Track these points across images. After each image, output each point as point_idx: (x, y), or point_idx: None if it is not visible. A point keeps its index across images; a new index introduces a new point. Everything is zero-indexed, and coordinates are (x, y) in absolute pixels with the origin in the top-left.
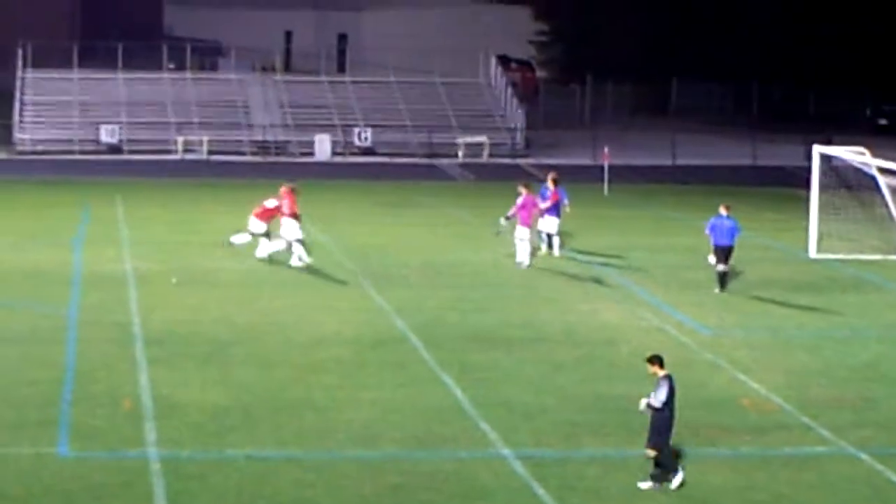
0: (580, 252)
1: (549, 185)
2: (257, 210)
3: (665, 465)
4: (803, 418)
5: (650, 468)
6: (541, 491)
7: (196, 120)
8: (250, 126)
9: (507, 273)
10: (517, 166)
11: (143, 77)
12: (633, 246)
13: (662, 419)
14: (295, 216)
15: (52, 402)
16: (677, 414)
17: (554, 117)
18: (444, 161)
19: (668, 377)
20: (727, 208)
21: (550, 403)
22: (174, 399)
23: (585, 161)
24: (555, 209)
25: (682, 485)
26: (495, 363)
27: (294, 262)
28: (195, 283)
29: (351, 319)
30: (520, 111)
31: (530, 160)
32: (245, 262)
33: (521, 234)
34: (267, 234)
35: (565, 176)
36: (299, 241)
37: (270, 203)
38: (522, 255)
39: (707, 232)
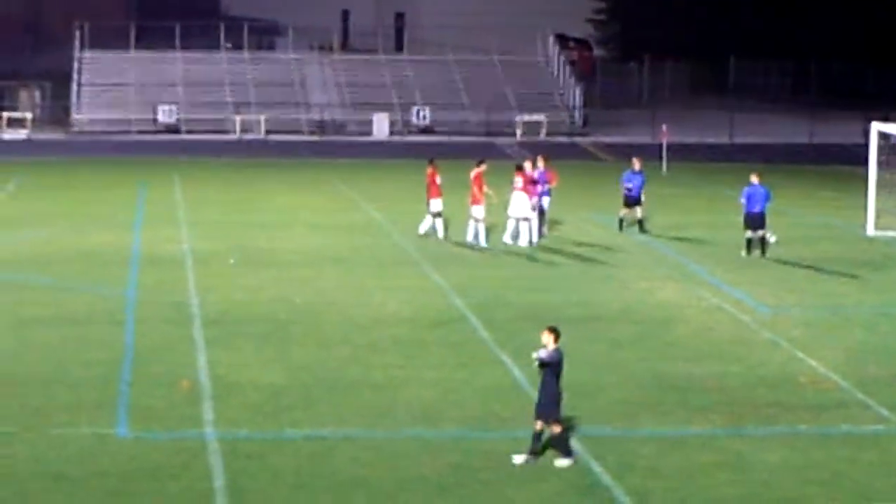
0: (638, 230)
1: (541, 165)
2: (523, 186)
3: (561, 442)
4: (861, 396)
5: (558, 446)
6: (599, 469)
7: (253, 100)
8: (308, 105)
9: (564, 252)
10: (575, 145)
11: (200, 57)
12: (691, 224)
13: (556, 393)
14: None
15: (111, 383)
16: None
17: (612, 96)
18: (503, 140)
19: (559, 352)
20: (759, 175)
21: (608, 382)
22: (232, 379)
23: (644, 139)
24: (548, 191)
25: (525, 463)
26: None
27: (516, 240)
28: (253, 263)
29: (409, 299)
30: (577, 90)
31: (588, 139)
32: (302, 242)
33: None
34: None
35: (624, 155)
36: (526, 219)
37: (518, 183)
38: (527, 233)
39: (741, 200)
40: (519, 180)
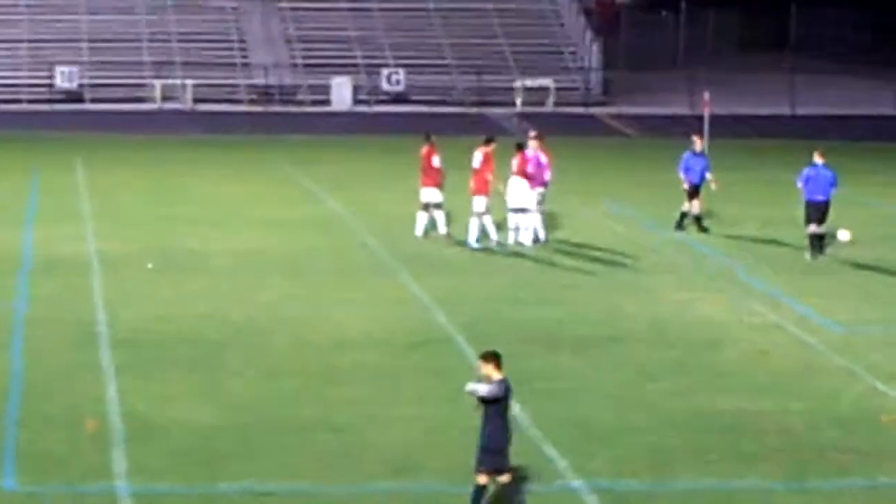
0: (673, 227)
1: (532, 145)
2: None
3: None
4: None
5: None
6: None
7: (178, 59)
8: (248, 67)
9: (576, 253)
10: (592, 117)
11: (110, 5)
12: (742, 218)
13: (503, 436)
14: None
15: None
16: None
17: (639, 55)
18: (498, 111)
19: (506, 382)
20: (823, 154)
21: (635, 422)
22: (151, 418)
23: (679, 110)
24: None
25: None
26: (564, 370)
27: (522, 239)
28: (177, 270)
29: (379, 315)
30: (595, 47)
31: (609, 109)
32: (241, 243)
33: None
34: (439, 206)
35: (655, 130)
36: (522, 211)
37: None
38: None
39: (799, 185)
40: (513, 162)
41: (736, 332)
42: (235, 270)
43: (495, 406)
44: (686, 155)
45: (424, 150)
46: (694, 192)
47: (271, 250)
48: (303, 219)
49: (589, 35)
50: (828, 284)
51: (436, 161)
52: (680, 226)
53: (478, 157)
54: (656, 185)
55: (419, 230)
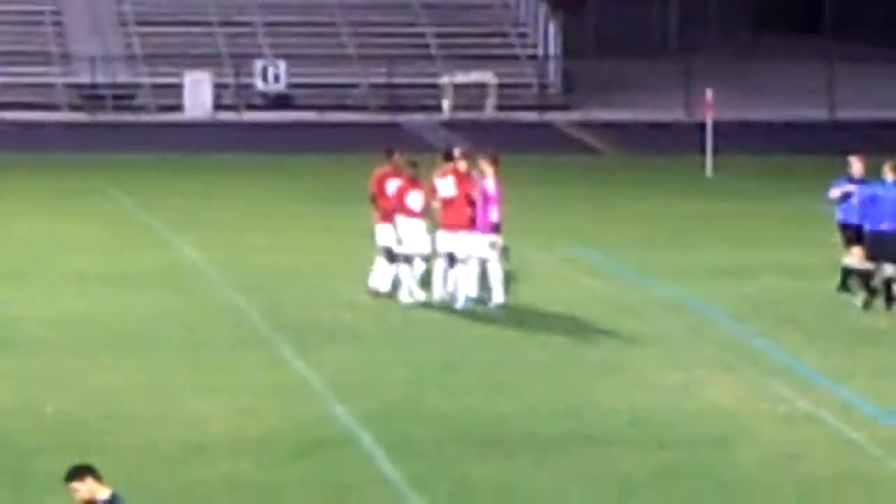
0: (662, 279)
1: (485, 168)
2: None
3: None
4: None
5: None
6: None
7: None
8: (67, 59)
9: (531, 317)
10: (548, 126)
11: None
12: (759, 266)
13: None
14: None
15: None
16: None
17: (615, 38)
18: (418, 118)
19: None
20: (895, 169)
21: None
22: None
23: (671, 115)
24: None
25: None
26: (515, 483)
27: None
28: None
29: (252, 407)
30: (553, 28)
31: (572, 114)
32: (59, 306)
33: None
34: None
35: (635, 143)
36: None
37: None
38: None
39: (839, 200)
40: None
41: (752, 426)
42: (51, 345)
43: None
44: (841, 182)
45: (378, 172)
46: (858, 236)
47: (99, 317)
48: (144, 272)
49: (545, 11)
50: (885, 357)
51: (392, 190)
52: (845, 285)
53: (448, 183)
54: (638, 221)
55: (414, 290)
